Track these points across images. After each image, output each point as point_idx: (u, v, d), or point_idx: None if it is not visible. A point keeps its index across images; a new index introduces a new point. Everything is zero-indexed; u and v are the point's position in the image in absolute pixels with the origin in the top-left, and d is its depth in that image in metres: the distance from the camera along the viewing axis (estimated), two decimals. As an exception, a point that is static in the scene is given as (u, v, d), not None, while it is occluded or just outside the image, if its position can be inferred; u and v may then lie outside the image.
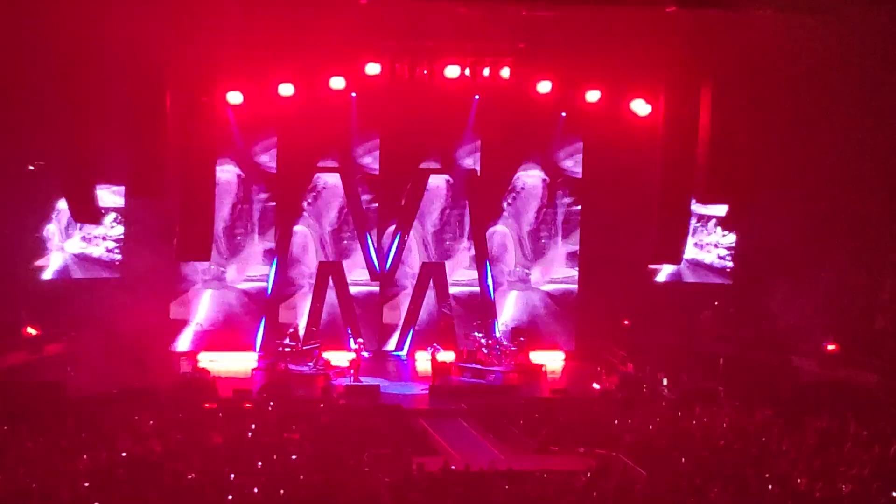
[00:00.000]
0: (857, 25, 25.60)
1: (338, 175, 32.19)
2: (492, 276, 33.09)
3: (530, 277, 33.51)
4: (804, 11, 25.14)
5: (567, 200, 33.35)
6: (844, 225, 28.64)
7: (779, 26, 25.75)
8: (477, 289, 33.14)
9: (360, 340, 30.16)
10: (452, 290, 33.07)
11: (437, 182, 32.86)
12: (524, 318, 33.06)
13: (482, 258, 32.95)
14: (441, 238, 33.08)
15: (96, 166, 27.95)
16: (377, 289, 32.67)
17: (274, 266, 31.72)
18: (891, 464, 20.60)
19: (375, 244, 32.30)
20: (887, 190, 28.00)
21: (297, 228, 32.14)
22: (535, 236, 33.42)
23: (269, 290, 31.80)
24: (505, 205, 33.21)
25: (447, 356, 30.33)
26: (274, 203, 31.79)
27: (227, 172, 31.11)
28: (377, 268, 32.26)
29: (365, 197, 32.30)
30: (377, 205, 32.45)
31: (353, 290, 32.46)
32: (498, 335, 31.33)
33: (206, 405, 25.17)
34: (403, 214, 32.41)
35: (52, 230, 29.34)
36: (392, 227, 32.40)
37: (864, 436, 22.33)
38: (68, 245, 29.65)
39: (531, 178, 33.21)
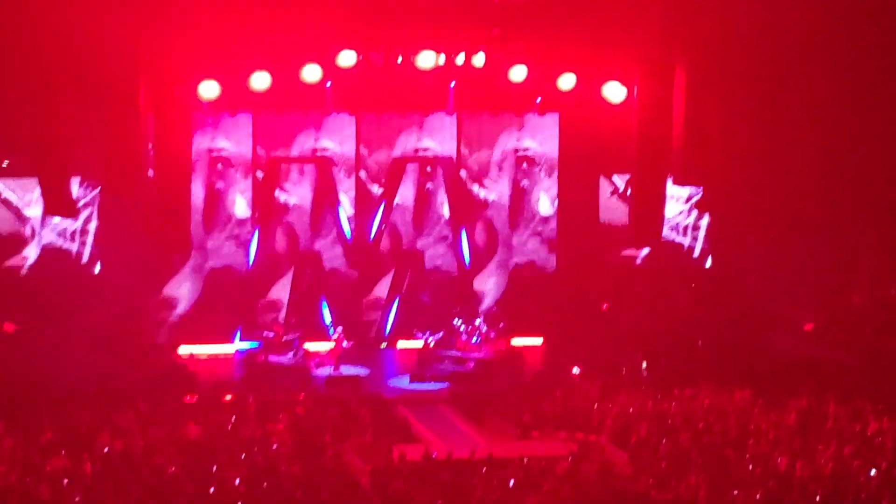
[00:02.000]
0: (830, 4, 25.68)
1: (313, 165, 32.07)
2: (471, 263, 33.06)
3: (509, 263, 33.50)
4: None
5: (544, 185, 33.35)
6: (820, 204, 28.76)
7: (751, 6, 25.82)
8: (455, 274, 33.15)
9: (340, 329, 30.09)
10: (431, 277, 33.05)
11: (415, 169, 32.78)
12: (503, 304, 33.00)
13: (460, 244, 32.91)
14: (419, 225, 33.04)
15: (70, 159, 27.80)
16: (356, 277, 32.59)
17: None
18: (871, 442, 20.74)
19: (353, 232, 32.21)
20: (863, 168, 28.13)
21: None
22: (514, 221, 33.41)
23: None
24: (482, 191, 33.17)
25: (429, 343, 30.28)
26: (250, 193, 31.63)
27: (203, 163, 30.91)
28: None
29: (342, 186, 32.19)
30: (354, 194, 32.36)
31: (332, 278, 32.40)
32: (477, 322, 31.30)
33: (186, 399, 25.12)
34: (381, 202, 32.30)
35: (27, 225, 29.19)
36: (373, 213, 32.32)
37: (844, 414, 22.46)
38: (43, 239, 29.46)
39: (507, 163, 33.18)
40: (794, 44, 27.10)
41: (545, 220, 33.44)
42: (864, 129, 27.88)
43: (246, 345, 30.27)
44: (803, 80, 27.81)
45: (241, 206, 31.56)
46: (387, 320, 32.42)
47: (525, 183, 33.26)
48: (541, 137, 33.06)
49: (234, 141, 31.29)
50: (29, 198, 29.11)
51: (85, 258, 29.84)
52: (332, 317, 31.64)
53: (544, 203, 33.39)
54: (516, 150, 33.09)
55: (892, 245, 28.62)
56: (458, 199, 32.84)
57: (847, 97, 27.57)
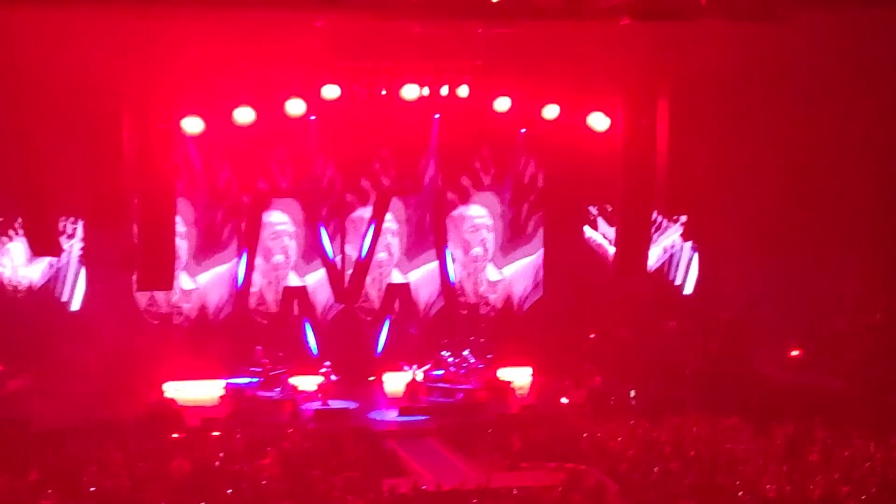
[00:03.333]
0: (813, 33, 25.82)
1: (298, 198, 32.09)
2: (458, 295, 33.14)
3: (497, 293, 33.58)
4: (756, 19, 25.30)
5: (530, 216, 33.48)
6: (804, 231, 28.85)
7: (734, 36, 25.93)
8: (442, 306, 33.18)
9: (327, 364, 30.01)
10: (419, 309, 33.07)
11: (400, 201, 32.84)
12: (490, 335, 32.92)
13: (447, 276, 32.97)
14: (406, 257, 33.07)
15: (54, 198, 27.76)
16: (342, 310, 32.54)
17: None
18: (859, 468, 20.75)
19: (339, 264, 32.20)
20: (846, 194, 28.24)
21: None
22: (502, 252, 33.53)
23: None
24: (468, 223, 33.29)
25: (417, 375, 30.22)
26: (231, 227, 31.67)
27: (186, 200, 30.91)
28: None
29: (327, 219, 32.20)
30: (340, 226, 32.34)
31: (318, 312, 32.38)
32: (465, 353, 31.26)
33: (174, 435, 25.02)
34: (367, 235, 32.27)
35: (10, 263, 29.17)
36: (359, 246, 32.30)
37: (832, 440, 22.48)
38: (27, 278, 29.40)
39: (491, 195, 33.33)
40: (778, 75, 27.24)
41: (532, 251, 33.58)
42: (847, 157, 28.02)
43: (237, 380, 30.09)
44: (786, 111, 27.94)
45: (225, 244, 31.63)
46: (374, 353, 32.38)
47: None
48: (526, 168, 33.24)
49: (218, 176, 31.32)
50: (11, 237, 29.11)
51: (70, 296, 29.72)
52: (318, 347, 31.61)
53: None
54: (502, 182, 33.28)
55: (875, 271, 28.71)
56: (444, 231, 32.89)
57: (831, 127, 27.70)
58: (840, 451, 21.71)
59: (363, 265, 32.21)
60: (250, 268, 31.59)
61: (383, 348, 32.38)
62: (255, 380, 29.53)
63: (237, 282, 31.65)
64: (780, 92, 27.67)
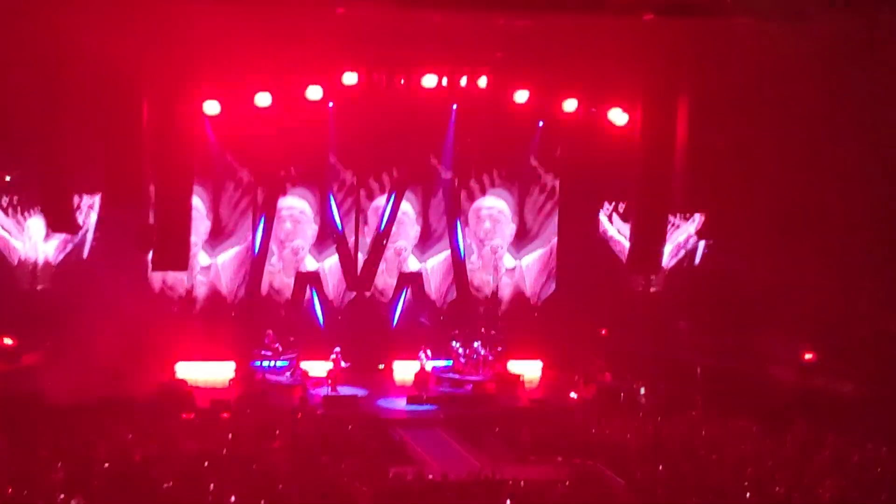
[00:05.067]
0: (834, 34, 25.74)
1: (315, 184, 32.12)
2: (472, 286, 33.15)
3: (511, 281, 33.59)
4: (781, 19, 25.23)
5: (545, 210, 33.45)
6: (822, 233, 28.72)
7: (756, 35, 25.85)
8: (454, 296, 33.18)
9: (337, 350, 30.05)
10: (430, 299, 33.07)
11: (417, 190, 32.85)
12: (502, 327, 32.93)
13: (460, 266, 32.96)
14: (420, 246, 33.08)
15: (73, 175, 27.86)
16: (354, 297, 32.59)
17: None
18: (869, 472, 20.69)
19: (353, 252, 32.24)
20: (866, 197, 28.10)
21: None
22: (518, 244, 33.52)
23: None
24: (484, 213, 33.28)
25: (426, 365, 30.24)
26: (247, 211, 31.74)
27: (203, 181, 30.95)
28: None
29: (342, 206, 32.24)
30: (354, 214, 32.40)
31: (330, 299, 32.42)
32: (476, 344, 31.28)
33: (184, 415, 25.08)
34: (382, 223, 32.30)
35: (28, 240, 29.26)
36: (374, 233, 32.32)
37: (843, 444, 22.41)
38: (44, 254, 29.49)
39: (507, 186, 33.33)
40: (797, 73, 27.11)
41: (546, 245, 33.57)
42: (867, 159, 27.86)
43: (259, 363, 30.13)
44: (805, 109, 27.80)
45: (240, 227, 31.68)
46: (385, 342, 32.38)
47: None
48: (543, 162, 33.23)
49: (236, 160, 31.40)
50: (30, 213, 29.19)
51: (85, 273, 29.79)
52: (329, 335, 31.61)
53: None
54: (518, 175, 33.28)
55: (892, 275, 28.59)
56: (456, 212, 32.88)
57: (851, 127, 27.56)
58: (851, 455, 21.65)
59: (376, 253, 32.26)
60: (264, 251, 31.68)
61: (395, 330, 32.43)
62: (279, 364, 29.58)
63: (251, 264, 31.70)
64: (800, 91, 27.52)
